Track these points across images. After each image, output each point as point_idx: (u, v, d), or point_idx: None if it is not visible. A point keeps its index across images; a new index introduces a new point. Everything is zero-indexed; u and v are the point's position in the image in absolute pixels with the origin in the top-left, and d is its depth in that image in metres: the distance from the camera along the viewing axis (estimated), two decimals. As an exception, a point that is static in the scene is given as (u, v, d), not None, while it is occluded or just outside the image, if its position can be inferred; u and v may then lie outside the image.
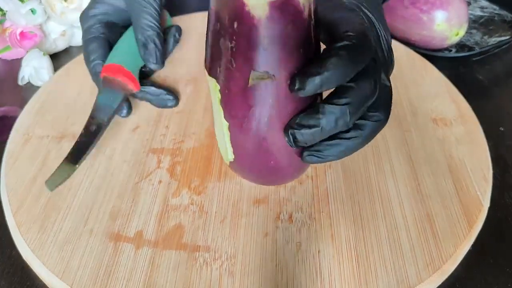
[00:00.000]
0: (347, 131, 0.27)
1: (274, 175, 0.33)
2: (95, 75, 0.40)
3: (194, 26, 0.55)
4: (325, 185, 0.37)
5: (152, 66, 0.41)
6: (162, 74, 0.48)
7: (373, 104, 0.27)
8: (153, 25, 0.40)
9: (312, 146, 0.28)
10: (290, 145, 0.28)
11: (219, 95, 0.28)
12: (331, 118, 0.25)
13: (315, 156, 0.28)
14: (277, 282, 0.30)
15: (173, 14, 0.57)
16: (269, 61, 0.26)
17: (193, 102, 0.45)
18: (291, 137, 0.27)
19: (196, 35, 0.54)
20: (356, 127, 0.27)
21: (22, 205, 0.35)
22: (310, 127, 0.26)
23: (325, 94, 0.27)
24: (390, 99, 0.28)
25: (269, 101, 0.27)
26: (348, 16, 0.27)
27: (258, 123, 0.28)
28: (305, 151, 0.29)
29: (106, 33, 0.41)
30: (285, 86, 0.27)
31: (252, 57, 0.26)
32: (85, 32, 0.42)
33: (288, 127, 0.27)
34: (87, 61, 0.41)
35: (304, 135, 0.26)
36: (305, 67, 0.25)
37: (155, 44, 0.40)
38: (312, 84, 0.24)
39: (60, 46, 0.55)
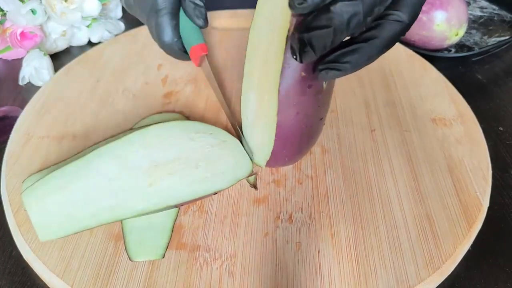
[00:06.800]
0: (362, 34, 0.25)
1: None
2: (177, 51, 0.39)
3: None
4: (325, 185, 0.37)
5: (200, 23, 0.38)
6: (162, 74, 0.48)
7: (395, 2, 0.24)
8: None
9: (324, 58, 0.26)
10: (295, 57, 0.25)
11: None
12: (343, 16, 0.23)
13: (330, 68, 0.25)
14: (277, 281, 0.31)
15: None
16: None
17: (193, 102, 0.45)
18: (297, 43, 0.24)
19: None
20: (371, 28, 0.25)
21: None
22: (321, 28, 0.23)
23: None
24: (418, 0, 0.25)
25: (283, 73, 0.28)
26: None
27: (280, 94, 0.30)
28: (320, 65, 0.26)
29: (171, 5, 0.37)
30: (294, 66, 0.28)
31: None
32: (152, 10, 0.37)
33: (296, 33, 0.24)
34: (166, 37, 0.37)
35: (314, 39, 0.23)
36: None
37: (195, 3, 0.37)
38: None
39: (61, 46, 0.55)
